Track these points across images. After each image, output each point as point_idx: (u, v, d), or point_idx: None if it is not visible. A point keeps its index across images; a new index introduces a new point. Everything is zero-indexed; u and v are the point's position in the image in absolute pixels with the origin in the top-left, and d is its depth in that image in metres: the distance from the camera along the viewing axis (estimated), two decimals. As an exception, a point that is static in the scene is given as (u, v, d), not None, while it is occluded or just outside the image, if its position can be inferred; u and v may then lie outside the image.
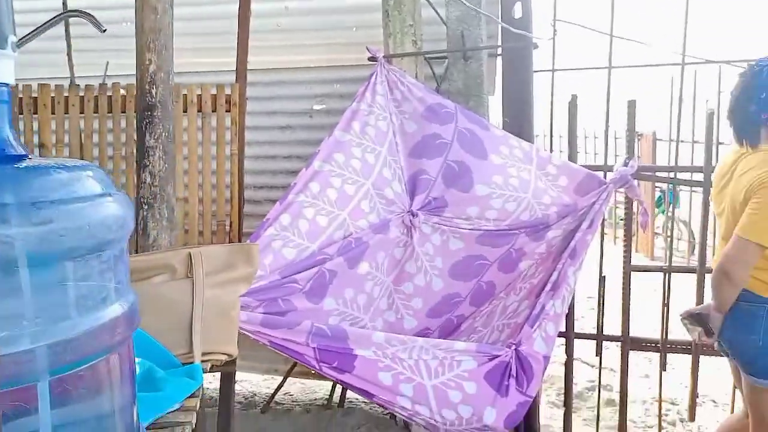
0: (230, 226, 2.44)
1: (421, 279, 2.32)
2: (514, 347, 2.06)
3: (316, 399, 3.44)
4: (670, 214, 7.24)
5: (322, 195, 2.11)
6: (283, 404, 3.32)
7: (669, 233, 2.89)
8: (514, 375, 2.03)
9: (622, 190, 2.51)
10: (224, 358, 1.41)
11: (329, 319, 2.07)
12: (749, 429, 2.11)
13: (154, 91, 1.55)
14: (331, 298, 2.06)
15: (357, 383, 1.84)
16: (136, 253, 1.60)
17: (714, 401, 3.59)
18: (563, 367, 2.84)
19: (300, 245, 2.02)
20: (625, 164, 2.48)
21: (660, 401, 2.78)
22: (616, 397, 3.69)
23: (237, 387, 3.61)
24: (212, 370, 1.42)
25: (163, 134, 1.57)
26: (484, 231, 2.32)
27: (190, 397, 1.16)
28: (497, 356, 2.03)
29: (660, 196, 8.20)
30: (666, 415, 3.33)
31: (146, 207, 1.57)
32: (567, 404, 2.91)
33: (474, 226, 2.32)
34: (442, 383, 1.93)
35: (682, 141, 2.81)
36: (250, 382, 3.69)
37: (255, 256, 1.46)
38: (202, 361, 1.32)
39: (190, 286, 1.29)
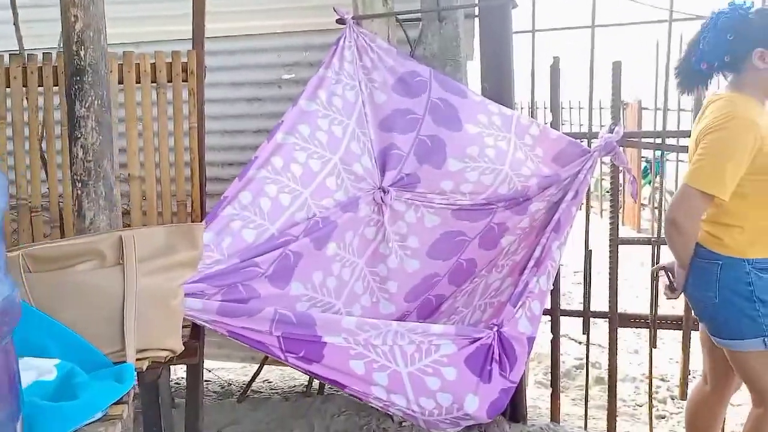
0: (192, 206, 2.26)
1: (394, 260, 2.17)
2: (496, 329, 1.93)
3: (295, 386, 3.31)
4: (656, 184, 7.17)
5: (285, 170, 1.94)
6: (261, 392, 3.18)
7: (656, 204, 2.75)
8: (497, 359, 1.89)
9: (607, 159, 2.38)
10: (165, 354, 1.25)
11: (297, 305, 1.92)
12: (712, 395, 2.07)
13: (82, 53, 1.36)
14: (298, 282, 1.90)
15: (327, 373, 1.70)
16: (74, 236, 1.43)
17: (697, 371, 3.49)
18: (550, 345, 2.72)
19: (261, 226, 1.85)
20: (611, 131, 2.34)
21: (650, 379, 2.67)
22: (606, 374, 3.59)
23: (212, 375, 3.46)
24: (150, 368, 1.26)
25: (96, 102, 1.39)
26: (460, 205, 2.17)
27: (116, 403, 1.00)
28: (478, 339, 1.89)
29: (646, 167, 8.10)
30: (656, 392, 3.23)
31: (80, 185, 1.39)
32: (554, 384, 2.80)
33: (449, 200, 2.16)
34: (419, 370, 1.79)
35: (669, 109, 2.67)
36: (227, 370, 3.55)
37: (198, 238, 1.30)
38: (138, 360, 1.16)
39: (121, 274, 1.12)
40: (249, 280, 1.76)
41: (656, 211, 7.75)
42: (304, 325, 1.68)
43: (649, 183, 8.02)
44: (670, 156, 7.36)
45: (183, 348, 1.32)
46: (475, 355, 1.88)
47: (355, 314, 2.12)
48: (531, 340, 1.97)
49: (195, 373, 2.19)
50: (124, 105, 2.27)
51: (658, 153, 7.37)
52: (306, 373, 1.71)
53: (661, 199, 2.92)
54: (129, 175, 2.25)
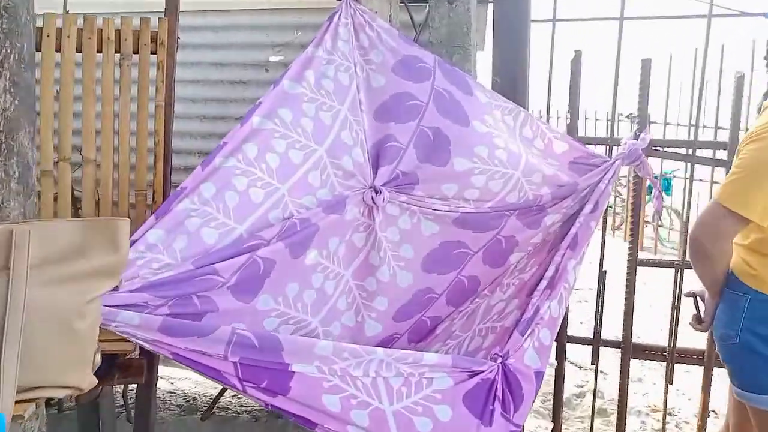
0: (153, 197, 1.96)
1: (385, 272, 1.86)
2: (500, 360, 1.63)
3: (267, 402, 2.99)
4: (666, 204, 6.90)
5: (259, 161, 1.63)
6: (229, 410, 2.87)
7: (686, 221, 2.46)
8: (500, 397, 1.59)
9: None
10: (65, 393, 0.95)
11: (265, 321, 1.61)
12: None
13: (-5, -8, 1.05)
14: (268, 295, 1.59)
15: (293, 409, 1.39)
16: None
17: (714, 412, 3.21)
18: (554, 374, 2.43)
19: (225, 225, 1.54)
20: (636, 137, 2.06)
21: (664, 420, 2.38)
22: (608, 405, 3.31)
23: (175, 387, 3.14)
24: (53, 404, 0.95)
25: (12, 56, 1.08)
26: (462, 213, 1.87)
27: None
28: (479, 372, 1.59)
29: (650, 184, 7.83)
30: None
31: (-14, 162, 1.08)
32: (556, 418, 2.50)
33: (451, 207, 1.86)
34: (406, 408, 1.49)
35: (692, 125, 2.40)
36: (194, 381, 3.22)
37: (122, 238, 0.99)
38: (22, 401, 0.85)
39: (4, 283, 0.82)
40: (206, 291, 1.45)
41: (684, 231, 7.51)
42: (268, 349, 1.37)
43: (650, 201, 7.75)
44: (677, 173, 7.11)
45: (93, 383, 1.01)
46: (475, 392, 1.58)
47: (333, 334, 1.81)
48: (539, 376, 1.67)
49: (146, 394, 1.87)
50: (82, 78, 1.96)
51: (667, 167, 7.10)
52: (269, 408, 1.40)
53: (688, 218, 2.64)
54: (83, 158, 1.94)
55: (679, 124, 6.47)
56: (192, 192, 1.51)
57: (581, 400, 3.34)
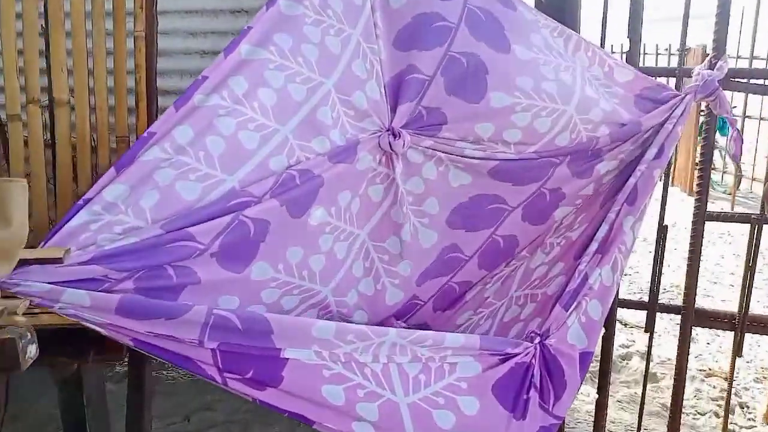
0: (138, 145, 1.69)
1: (408, 231, 1.58)
2: (538, 340, 1.35)
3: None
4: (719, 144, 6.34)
5: (250, 98, 1.33)
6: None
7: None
8: (536, 384, 1.33)
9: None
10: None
11: (263, 293, 1.35)
12: None
13: None
14: (265, 263, 1.32)
15: (287, 404, 1.15)
16: None
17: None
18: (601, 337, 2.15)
19: (210, 177, 1.26)
20: (711, 66, 1.69)
21: (728, 400, 2.09)
22: (657, 369, 3.02)
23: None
24: None
25: None
26: (501, 161, 1.55)
27: None
28: (513, 355, 1.32)
29: (702, 123, 7.25)
30: (719, 396, 2.65)
31: None
32: (602, 386, 2.23)
33: (486, 152, 1.54)
34: (425, 400, 1.24)
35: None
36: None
37: (15, 206, 0.73)
38: None
39: None
40: (183, 260, 1.19)
41: (725, 174, 6.98)
42: (254, 332, 1.12)
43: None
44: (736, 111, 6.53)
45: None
46: (506, 379, 1.31)
47: (349, 304, 1.55)
48: (586, 358, 1.39)
49: (137, 365, 1.66)
50: (47, 9, 1.67)
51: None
52: (258, 403, 1.17)
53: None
54: (55, 100, 1.68)
55: (755, 57, 5.84)
56: (163, 138, 1.23)
57: (627, 363, 3.06)
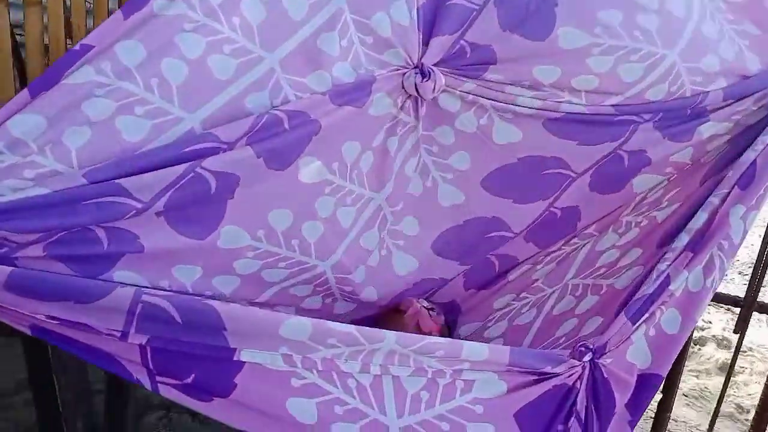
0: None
1: (418, 184, 1.25)
2: (589, 357, 1.02)
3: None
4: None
5: (228, 11, 1.00)
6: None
7: None
8: (578, 412, 1.02)
9: None
10: None
11: (236, 264, 1.07)
12: None
13: None
14: (237, 227, 1.03)
15: (237, 419, 0.89)
16: None
17: None
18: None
19: (163, 114, 0.96)
20: None
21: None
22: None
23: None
24: None
25: None
26: (566, 113, 1.16)
27: None
28: (552, 375, 1.01)
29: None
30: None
31: None
32: (669, 385, 1.88)
33: (546, 102, 1.16)
34: (423, 424, 0.96)
35: None
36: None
37: None
38: None
39: None
40: (117, 221, 0.92)
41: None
42: (197, 326, 0.85)
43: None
44: None
45: None
46: (538, 405, 1.01)
47: (355, 282, 1.25)
48: (647, 382, 1.05)
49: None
50: None
51: None
52: (204, 413, 0.92)
53: None
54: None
55: None
56: (102, 55, 0.93)
57: (700, 349, 2.65)
